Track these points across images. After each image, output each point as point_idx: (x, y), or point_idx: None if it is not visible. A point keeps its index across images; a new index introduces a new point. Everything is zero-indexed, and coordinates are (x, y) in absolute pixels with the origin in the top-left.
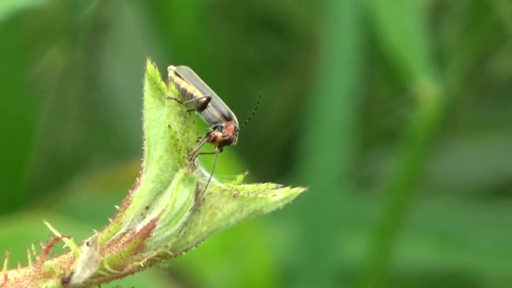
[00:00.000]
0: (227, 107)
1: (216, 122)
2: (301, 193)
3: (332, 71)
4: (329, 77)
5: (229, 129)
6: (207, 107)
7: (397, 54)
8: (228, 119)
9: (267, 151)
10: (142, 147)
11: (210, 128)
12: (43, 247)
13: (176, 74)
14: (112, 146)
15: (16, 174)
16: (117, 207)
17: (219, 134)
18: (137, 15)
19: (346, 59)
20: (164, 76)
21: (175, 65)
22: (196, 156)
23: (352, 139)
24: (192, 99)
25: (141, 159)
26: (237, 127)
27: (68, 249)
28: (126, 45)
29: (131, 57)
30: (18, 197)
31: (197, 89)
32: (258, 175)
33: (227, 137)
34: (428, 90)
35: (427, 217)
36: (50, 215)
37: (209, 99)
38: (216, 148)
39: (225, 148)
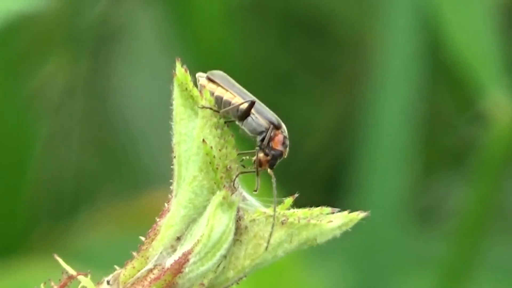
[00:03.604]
0: (273, 113)
1: (263, 131)
2: (360, 220)
3: (387, 82)
4: (383, 89)
5: (277, 141)
6: (251, 115)
7: (464, 61)
8: (277, 127)
9: (311, 178)
10: (171, 166)
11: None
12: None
13: (209, 79)
14: (124, 175)
15: (10, 210)
16: (143, 238)
17: (261, 157)
18: (153, 19)
19: (403, 68)
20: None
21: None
22: (237, 176)
23: (411, 163)
24: (231, 107)
25: (161, 188)
26: (287, 137)
27: None
28: (140, 55)
29: (146, 69)
30: (13, 236)
31: (236, 95)
32: (301, 205)
33: (274, 154)
34: (500, 105)
35: (502, 256)
36: (51, 259)
37: (252, 103)
38: (268, 169)
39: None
